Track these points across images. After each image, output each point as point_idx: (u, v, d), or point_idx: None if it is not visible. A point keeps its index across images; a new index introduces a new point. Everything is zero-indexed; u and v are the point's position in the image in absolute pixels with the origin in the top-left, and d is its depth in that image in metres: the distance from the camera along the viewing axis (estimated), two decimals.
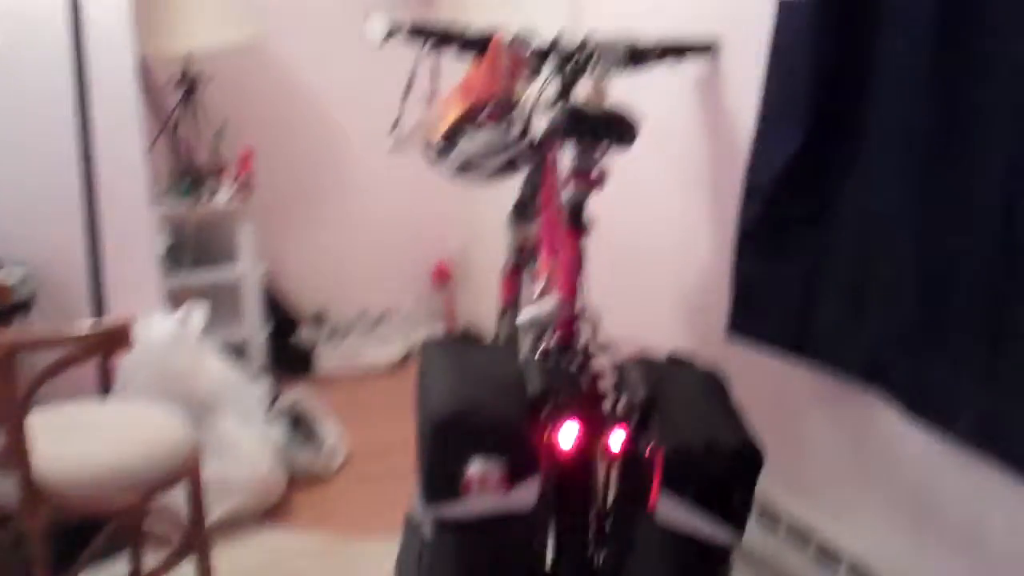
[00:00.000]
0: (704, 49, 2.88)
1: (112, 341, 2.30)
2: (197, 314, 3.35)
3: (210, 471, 2.87)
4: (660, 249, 3.22)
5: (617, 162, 2.28)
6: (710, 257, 2.96)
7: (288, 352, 4.45)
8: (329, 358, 4.49)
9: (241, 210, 4.11)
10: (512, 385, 1.90)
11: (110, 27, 3.33)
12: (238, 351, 3.96)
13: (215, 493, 2.97)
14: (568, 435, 1.85)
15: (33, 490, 2.25)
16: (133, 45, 3.42)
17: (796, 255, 2.59)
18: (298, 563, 3.06)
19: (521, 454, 1.79)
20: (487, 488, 1.77)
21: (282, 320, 4.47)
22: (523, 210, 3.03)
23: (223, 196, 4.08)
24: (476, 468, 1.77)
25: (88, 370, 3.21)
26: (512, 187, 3.05)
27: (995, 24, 2.02)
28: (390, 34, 2.77)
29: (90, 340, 2.29)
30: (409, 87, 2.85)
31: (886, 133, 2.33)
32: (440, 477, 1.79)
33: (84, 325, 2.42)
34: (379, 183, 4.67)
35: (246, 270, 4.16)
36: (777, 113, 2.59)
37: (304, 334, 4.56)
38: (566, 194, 2.29)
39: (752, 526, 2.78)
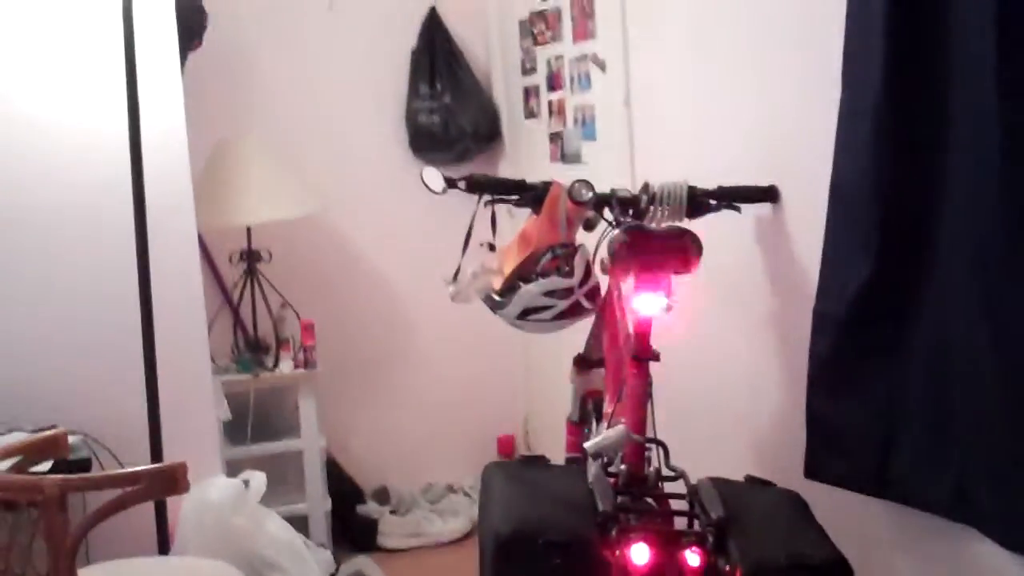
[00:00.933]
0: (765, 195, 2.85)
1: (165, 482, 2.24)
2: (258, 478, 3.30)
3: None
4: (731, 390, 3.13)
5: (685, 303, 2.23)
6: (782, 396, 2.87)
7: (351, 525, 4.34)
8: (393, 532, 4.37)
9: (303, 382, 4.08)
10: (579, 504, 1.81)
11: (172, 201, 3.39)
12: (299, 525, 3.87)
13: None
14: (640, 555, 1.74)
15: None
16: (194, 219, 3.48)
17: (871, 389, 2.49)
18: None
19: (590, 572, 1.68)
20: None
21: (344, 493, 4.38)
22: (586, 359, 2.97)
23: (284, 368, 4.06)
24: None
25: (147, 528, 3.14)
26: (572, 346, 3.02)
27: None
28: (450, 184, 2.78)
29: (143, 480, 2.23)
30: (468, 238, 2.85)
31: (960, 253, 2.25)
32: None
33: (138, 467, 2.36)
34: (440, 355, 4.66)
35: (308, 442, 4.11)
36: (844, 242, 2.53)
37: (367, 508, 4.46)
38: (631, 321, 2.23)
39: None
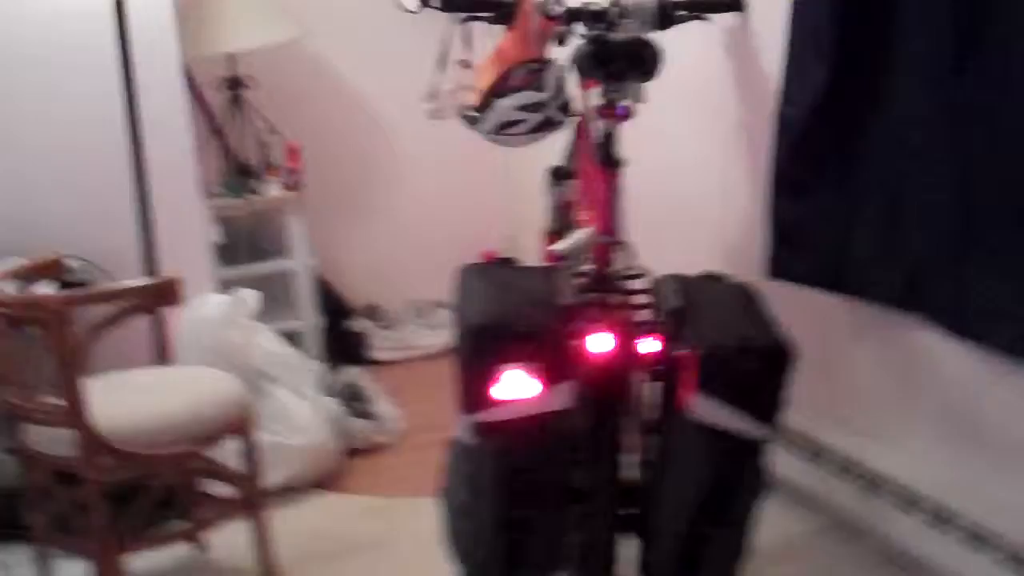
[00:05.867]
0: (732, 4, 2.90)
1: (161, 295, 2.38)
2: (251, 296, 3.43)
3: (267, 439, 2.95)
4: (700, 196, 3.26)
5: (655, 112, 2.30)
6: (748, 201, 2.99)
7: (342, 341, 4.50)
8: (383, 346, 4.55)
9: (291, 204, 4.18)
10: (546, 299, 1.94)
11: (155, 31, 3.43)
12: (293, 342, 4.02)
13: (272, 460, 3.03)
14: (600, 342, 1.88)
15: (89, 440, 2.32)
16: (178, 48, 3.53)
17: (829, 191, 2.63)
18: (352, 524, 3.14)
19: (553, 360, 1.83)
20: (520, 393, 1.80)
21: (335, 310, 4.52)
22: (561, 171, 3.07)
23: (273, 191, 4.16)
24: (509, 373, 1.80)
25: (145, 343, 3.28)
26: (552, 162, 3.11)
27: None
28: (424, 2, 2.82)
29: (140, 293, 2.36)
30: (443, 56, 2.91)
31: (912, 58, 2.36)
32: (476, 385, 1.82)
33: (135, 280, 2.49)
34: (425, 176, 4.73)
35: (298, 262, 4.23)
36: (802, 52, 2.63)
37: (357, 324, 4.62)
38: (596, 130, 2.32)
39: (797, 463, 2.83)
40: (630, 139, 2.35)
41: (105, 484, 2.40)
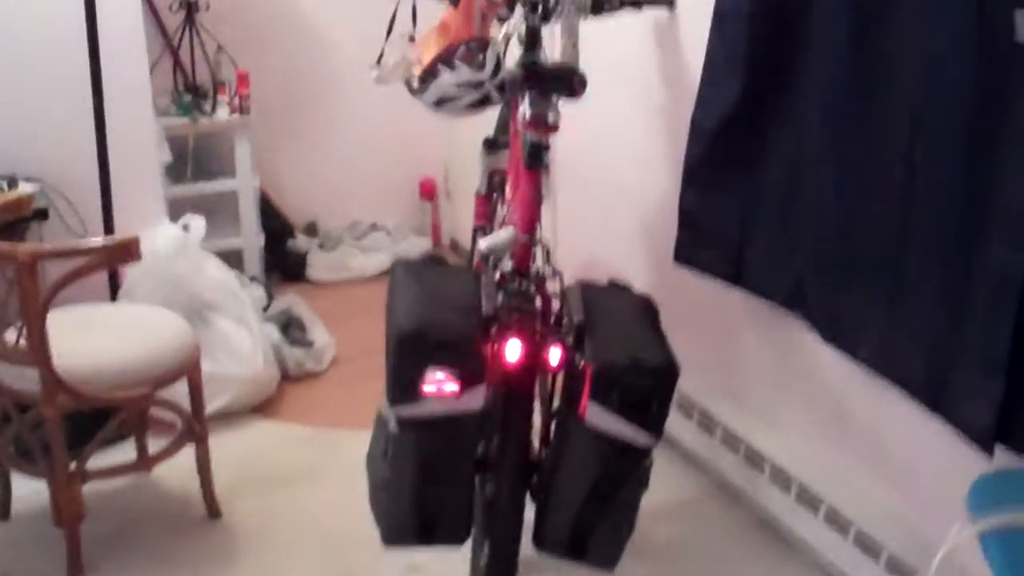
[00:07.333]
0: (665, 0, 3.13)
1: (122, 253, 2.60)
2: (197, 224, 3.65)
3: (208, 368, 3.19)
4: (623, 183, 3.51)
5: (585, 103, 2.53)
6: (666, 192, 3.24)
7: (282, 259, 4.75)
8: (320, 266, 4.80)
9: (238, 126, 4.37)
10: (468, 305, 2.20)
11: None
12: (235, 259, 4.26)
13: (213, 387, 3.27)
14: (512, 350, 2.16)
15: (52, 382, 2.57)
16: None
17: (733, 195, 2.91)
18: (285, 450, 3.41)
19: (470, 365, 2.10)
20: (440, 393, 2.08)
21: (277, 229, 4.75)
22: (494, 142, 3.32)
23: (221, 115, 4.34)
24: (431, 376, 2.08)
25: (99, 275, 3.48)
26: (489, 115, 3.34)
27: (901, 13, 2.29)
28: None
29: (103, 252, 2.59)
30: (391, 26, 3.12)
31: (810, 92, 2.62)
32: (402, 383, 2.10)
33: (98, 240, 2.71)
34: (369, 104, 4.87)
35: (242, 182, 4.44)
36: (719, 66, 2.87)
37: (297, 243, 4.85)
38: (526, 137, 2.56)
39: (692, 430, 3.16)
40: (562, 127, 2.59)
41: (63, 417, 2.65)
